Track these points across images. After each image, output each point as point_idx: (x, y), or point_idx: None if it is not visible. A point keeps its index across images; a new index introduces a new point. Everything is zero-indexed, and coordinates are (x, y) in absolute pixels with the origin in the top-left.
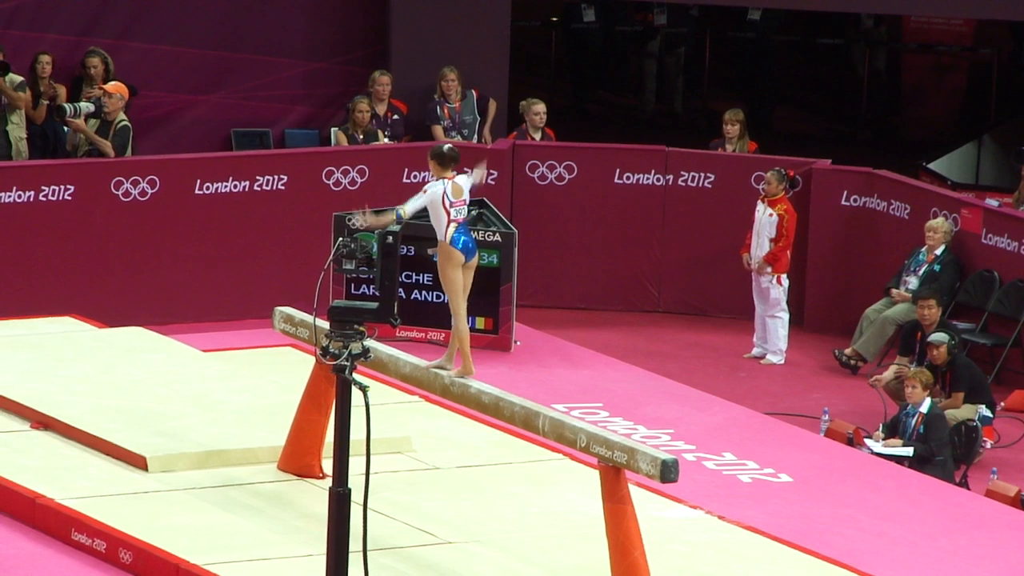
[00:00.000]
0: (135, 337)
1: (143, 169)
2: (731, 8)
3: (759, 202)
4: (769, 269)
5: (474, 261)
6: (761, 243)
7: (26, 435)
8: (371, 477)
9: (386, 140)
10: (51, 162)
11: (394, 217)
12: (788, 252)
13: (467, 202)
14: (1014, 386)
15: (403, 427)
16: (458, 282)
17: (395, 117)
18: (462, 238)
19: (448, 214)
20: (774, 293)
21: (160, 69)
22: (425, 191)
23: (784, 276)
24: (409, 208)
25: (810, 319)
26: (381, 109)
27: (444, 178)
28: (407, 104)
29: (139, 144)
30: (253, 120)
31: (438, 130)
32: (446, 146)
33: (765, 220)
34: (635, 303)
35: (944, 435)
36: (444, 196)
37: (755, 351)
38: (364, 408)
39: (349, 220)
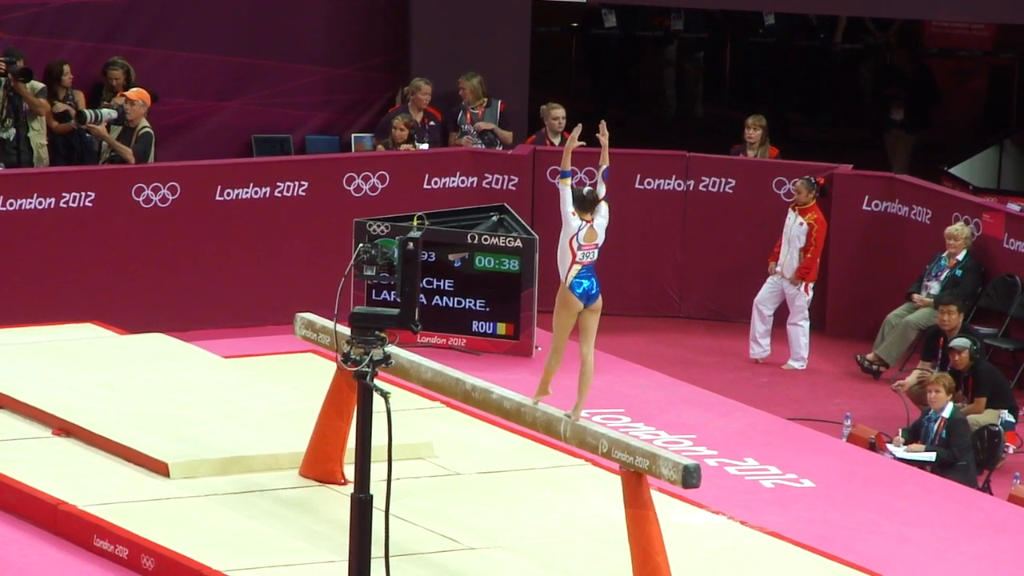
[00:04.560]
0: (156, 343)
1: (164, 175)
2: (753, 13)
3: (790, 210)
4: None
5: (597, 305)
6: (792, 252)
7: (48, 442)
8: (393, 483)
9: (424, 147)
10: (72, 169)
11: (559, 176)
12: (817, 261)
13: (598, 247)
14: None
15: (424, 433)
16: (564, 327)
17: (431, 124)
18: (584, 283)
19: (574, 255)
20: (799, 301)
21: (180, 76)
22: (568, 217)
23: (811, 285)
24: (568, 194)
25: (832, 324)
26: (417, 116)
27: (584, 220)
28: (440, 111)
29: (159, 150)
30: (274, 126)
31: (453, 136)
32: (585, 189)
33: (796, 229)
34: (656, 308)
35: (966, 440)
36: (574, 238)
37: (756, 352)
38: (385, 414)
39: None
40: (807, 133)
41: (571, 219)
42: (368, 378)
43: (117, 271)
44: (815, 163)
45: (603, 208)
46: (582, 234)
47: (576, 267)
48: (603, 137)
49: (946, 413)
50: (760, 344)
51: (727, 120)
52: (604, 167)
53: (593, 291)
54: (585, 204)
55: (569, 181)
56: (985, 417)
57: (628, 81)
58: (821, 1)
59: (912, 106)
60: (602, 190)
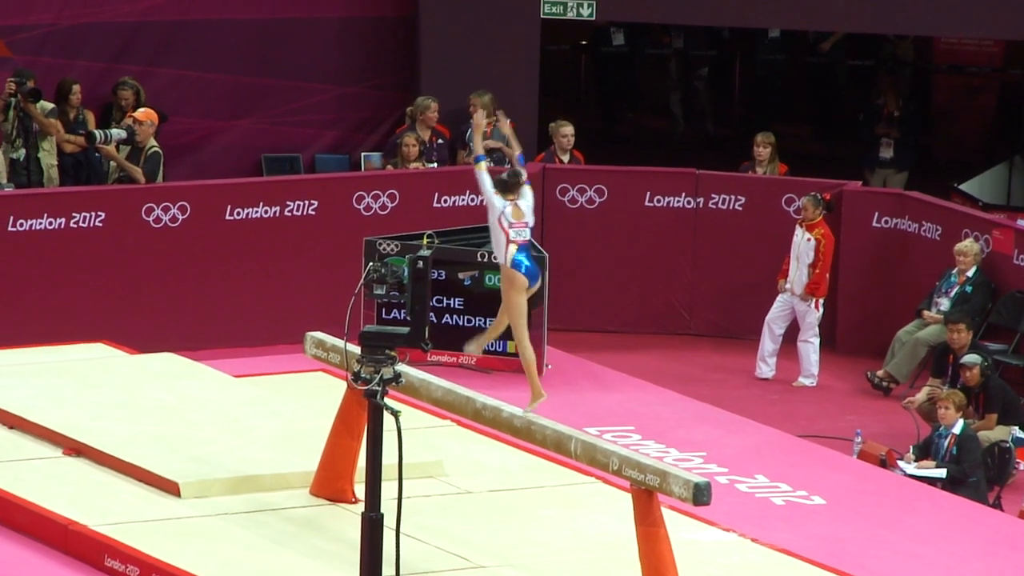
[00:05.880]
0: (166, 363)
1: (174, 195)
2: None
3: (797, 227)
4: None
5: (536, 286)
6: (800, 268)
7: (59, 461)
8: (403, 501)
9: (432, 166)
10: (82, 189)
11: (474, 161)
12: (826, 276)
13: (528, 225)
14: None
15: (435, 451)
16: (522, 307)
17: (439, 142)
18: (524, 262)
19: (507, 234)
20: (810, 318)
21: (190, 95)
22: (491, 198)
23: (822, 301)
24: (485, 177)
25: (842, 341)
26: (425, 135)
27: (508, 199)
28: (449, 129)
29: (169, 170)
30: (283, 145)
31: (461, 154)
32: (505, 172)
33: (803, 245)
34: (666, 326)
35: (977, 456)
36: (502, 216)
37: (763, 371)
38: (396, 433)
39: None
40: (816, 149)
41: (494, 199)
42: (378, 397)
43: (127, 291)
44: (825, 180)
45: (527, 191)
46: (508, 212)
47: (512, 246)
48: (505, 127)
49: (956, 430)
50: (767, 363)
51: (736, 137)
52: (516, 154)
53: (534, 270)
54: (507, 186)
55: (484, 165)
56: (996, 433)
57: (637, 99)
58: (827, 18)
59: (902, 143)
60: (523, 174)
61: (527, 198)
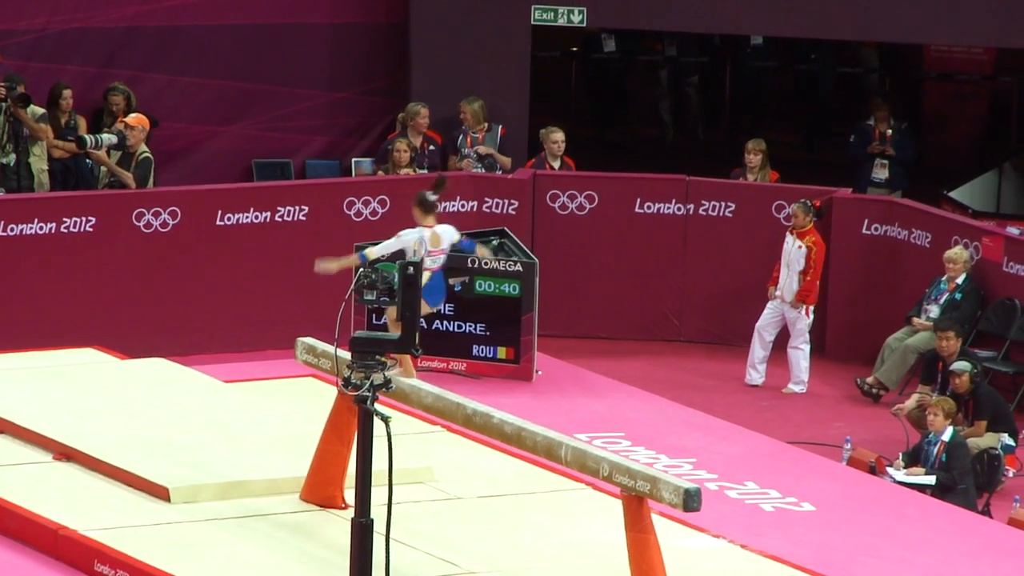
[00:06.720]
0: (157, 368)
1: (164, 200)
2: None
3: (788, 234)
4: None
5: (436, 308)
6: (791, 275)
7: (48, 466)
8: (393, 507)
9: (424, 172)
10: (72, 194)
11: (357, 260)
12: (817, 283)
13: (446, 252)
14: None
15: (425, 457)
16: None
17: (431, 148)
18: (438, 287)
19: (423, 262)
20: (800, 324)
21: (181, 100)
22: (399, 236)
23: (812, 308)
24: (376, 251)
25: (832, 348)
26: (417, 141)
27: (424, 226)
28: (440, 134)
29: (160, 175)
30: (274, 151)
31: (452, 160)
32: (431, 194)
33: (794, 252)
34: (656, 332)
35: (966, 463)
36: (420, 243)
37: (753, 378)
38: (386, 438)
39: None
40: (806, 156)
41: (405, 236)
42: (369, 402)
43: (118, 296)
44: (815, 187)
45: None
46: (427, 239)
47: (427, 274)
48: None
49: (946, 437)
50: (757, 370)
51: (727, 144)
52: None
53: (439, 297)
54: (428, 207)
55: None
56: (985, 440)
57: (627, 105)
58: (818, 26)
59: (895, 163)
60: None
61: (446, 227)
